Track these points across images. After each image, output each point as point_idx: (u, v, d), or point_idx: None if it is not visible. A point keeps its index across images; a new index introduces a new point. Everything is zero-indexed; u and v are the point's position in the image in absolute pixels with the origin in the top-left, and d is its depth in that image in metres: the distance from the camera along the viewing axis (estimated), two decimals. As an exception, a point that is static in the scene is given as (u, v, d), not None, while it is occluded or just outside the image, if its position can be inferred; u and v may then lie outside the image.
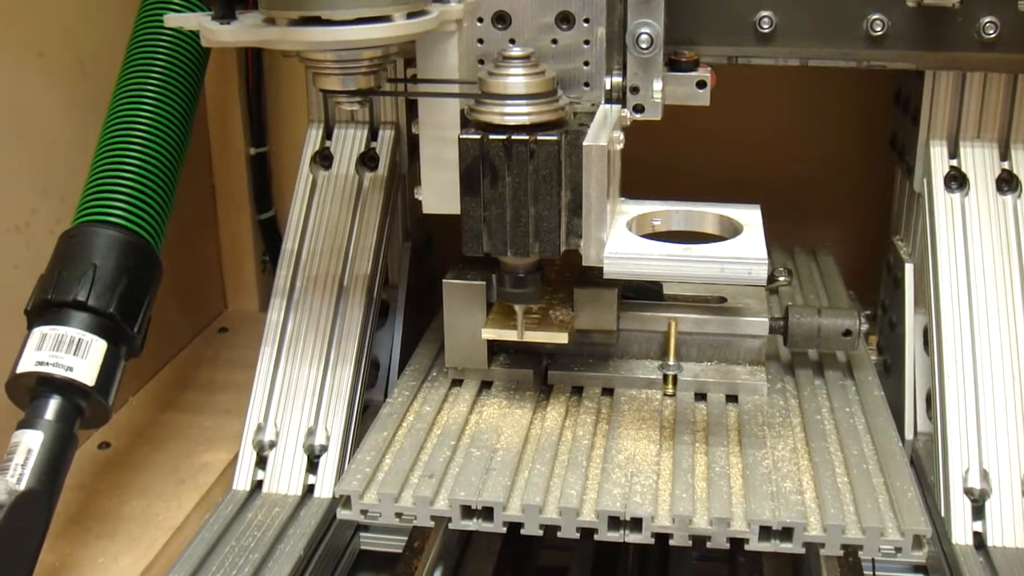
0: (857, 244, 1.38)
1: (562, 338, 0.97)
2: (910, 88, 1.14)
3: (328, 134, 1.17)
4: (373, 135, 1.17)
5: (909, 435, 1.08)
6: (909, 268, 1.13)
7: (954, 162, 1.07)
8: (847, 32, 0.99)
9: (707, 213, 0.90)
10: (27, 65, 1.06)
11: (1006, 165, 1.06)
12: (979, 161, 1.07)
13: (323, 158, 1.16)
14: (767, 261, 0.81)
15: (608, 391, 1.01)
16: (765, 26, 0.99)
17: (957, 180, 1.06)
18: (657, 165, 1.36)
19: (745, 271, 0.81)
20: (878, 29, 0.98)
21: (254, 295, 1.47)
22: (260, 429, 1.04)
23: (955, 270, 1.03)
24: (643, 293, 1.04)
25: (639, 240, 0.85)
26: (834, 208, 1.40)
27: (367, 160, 1.16)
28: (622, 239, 0.85)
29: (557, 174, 0.84)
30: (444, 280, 1.00)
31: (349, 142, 1.17)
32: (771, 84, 1.34)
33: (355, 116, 1.17)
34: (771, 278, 1.14)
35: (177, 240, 1.29)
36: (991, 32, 0.96)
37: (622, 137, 0.87)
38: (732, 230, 0.88)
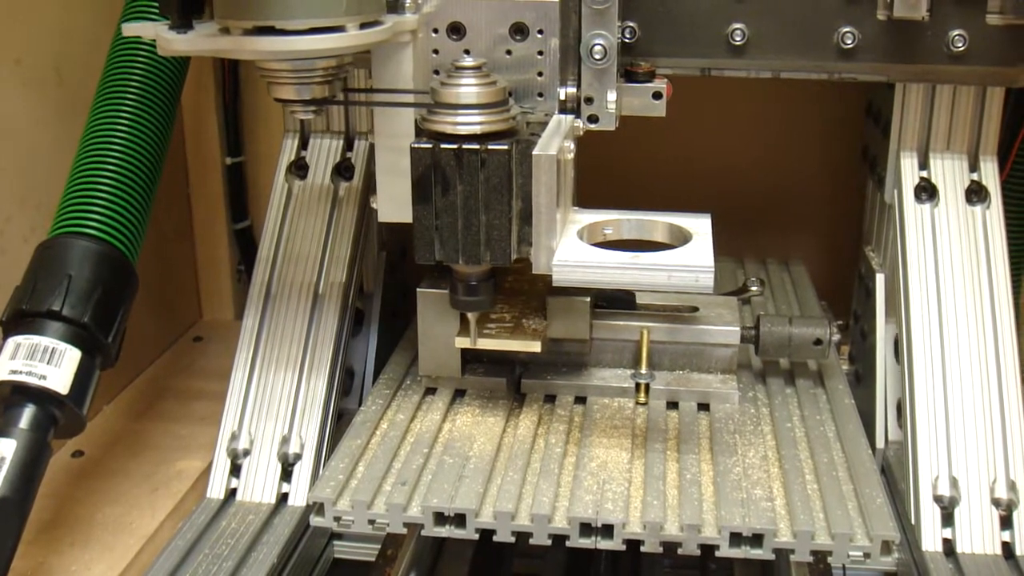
0: (829, 255, 1.39)
1: (535, 347, 0.98)
2: (881, 100, 1.15)
3: (304, 144, 1.18)
4: (349, 145, 1.17)
5: (880, 443, 1.09)
6: (880, 278, 1.13)
7: (924, 173, 1.08)
8: (818, 44, 1.00)
9: (657, 222, 0.91)
10: (3, 72, 1.06)
11: (975, 176, 1.07)
12: (948, 173, 1.08)
13: (299, 168, 1.17)
14: (713, 269, 0.81)
15: (581, 399, 1.02)
16: (737, 38, 1.00)
17: (927, 191, 1.07)
18: (629, 177, 1.37)
19: (692, 278, 0.81)
20: (849, 42, 0.98)
21: (229, 304, 1.47)
22: (234, 437, 1.04)
23: (925, 280, 1.04)
24: (616, 302, 1.04)
25: (588, 248, 0.85)
26: (807, 219, 1.41)
27: (342, 170, 1.16)
28: (572, 247, 0.85)
29: (508, 183, 0.85)
30: (418, 289, 1.00)
31: (325, 152, 1.17)
32: (744, 96, 1.35)
33: (331, 126, 1.17)
34: (743, 288, 1.15)
35: (153, 249, 1.29)
36: (960, 45, 0.97)
37: (573, 147, 0.88)
38: (682, 238, 0.88)
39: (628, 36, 1.00)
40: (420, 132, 0.87)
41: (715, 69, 1.03)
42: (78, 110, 1.03)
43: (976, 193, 1.07)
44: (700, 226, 0.89)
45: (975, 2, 0.97)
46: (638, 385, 1.00)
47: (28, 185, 1.08)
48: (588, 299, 1.00)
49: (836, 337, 1.03)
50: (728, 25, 1.00)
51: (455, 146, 0.84)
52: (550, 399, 1.02)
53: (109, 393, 1.23)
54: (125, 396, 1.25)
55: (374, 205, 0.92)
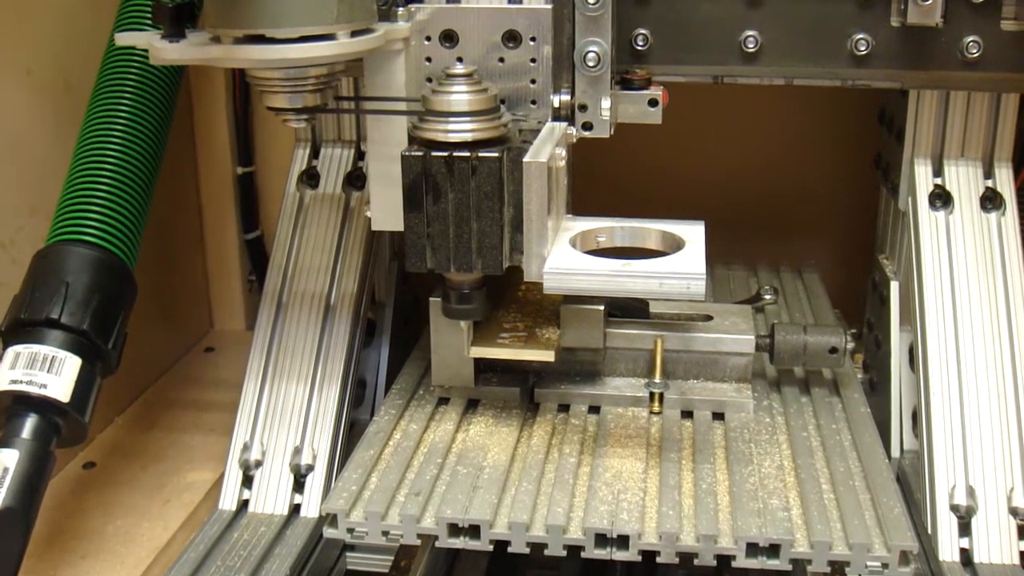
0: (843, 262, 1.38)
1: (548, 356, 0.97)
2: (894, 107, 1.15)
3: (315, 154, 1.17)
4: (360, 155, 1.17)
5: (895, 452, 1.08)
6: (894, 286, 1.13)
7: (938, 180, 1.07)
8: (831, 51, 0.99)
9: (651, 229, 0.91)
10: (15, 83, 1.06)
11: (990, 183, 1.06)
12: (963, 179, 1.07)
13: (310, 177, 1.16)
14: (704, 276, 0.81)
15: (595, 409, 1.01)
16: (750, 45, 0.99)
17: (941, 198, 1.07)
18: (642, 184, 1.37)
19: (683, 286, 0.81)
20: (862, 48, 0.98)
21: (240, 315, 1.47)
22: (246, 448, 1.03)
23: (940, 288, 1.03)
24: (629, 311, 1.04)
25: (579, 256, 0.85)
26: (820, 227, 1.41)
27: (354, 180, 1.16)
28: (563, 255, 0.85)
29: (499, 191, 0.84)
30: (431, 298, 0.99)
31: (336, 162, 1.17)
32: (757, 104, 1.35)
33: (342, 135, 1.17)
34: (757, 296, 1.14)
35: (163, 259, 1.30)
36: (974, 51, 0.97)
37: (564, 154, 0.88)
38: (675, 246, 0.88)
39: (640, 44, 1.00)
40: (412, 140, 0.87)
41: (728, 76, 1.02)
42: (86, 119, 1.03)
43: (991, 200, 1.06)
44: (693, 233, 0.89)
45: (990, 8, 0.96)
46: (652, 394, 1.00)
47: (39, 195, 1.08)
48: (602, 308, 0.99)
49: (851, 345, 1.03)
50: (741, 32, 1.00)
51: (446, 154, 0.84)
52: (564, 409, 1.01)
53: (120, 404, 1.23)
54: (136, 407, 1.25)
55: (367, 214, 0.92)
